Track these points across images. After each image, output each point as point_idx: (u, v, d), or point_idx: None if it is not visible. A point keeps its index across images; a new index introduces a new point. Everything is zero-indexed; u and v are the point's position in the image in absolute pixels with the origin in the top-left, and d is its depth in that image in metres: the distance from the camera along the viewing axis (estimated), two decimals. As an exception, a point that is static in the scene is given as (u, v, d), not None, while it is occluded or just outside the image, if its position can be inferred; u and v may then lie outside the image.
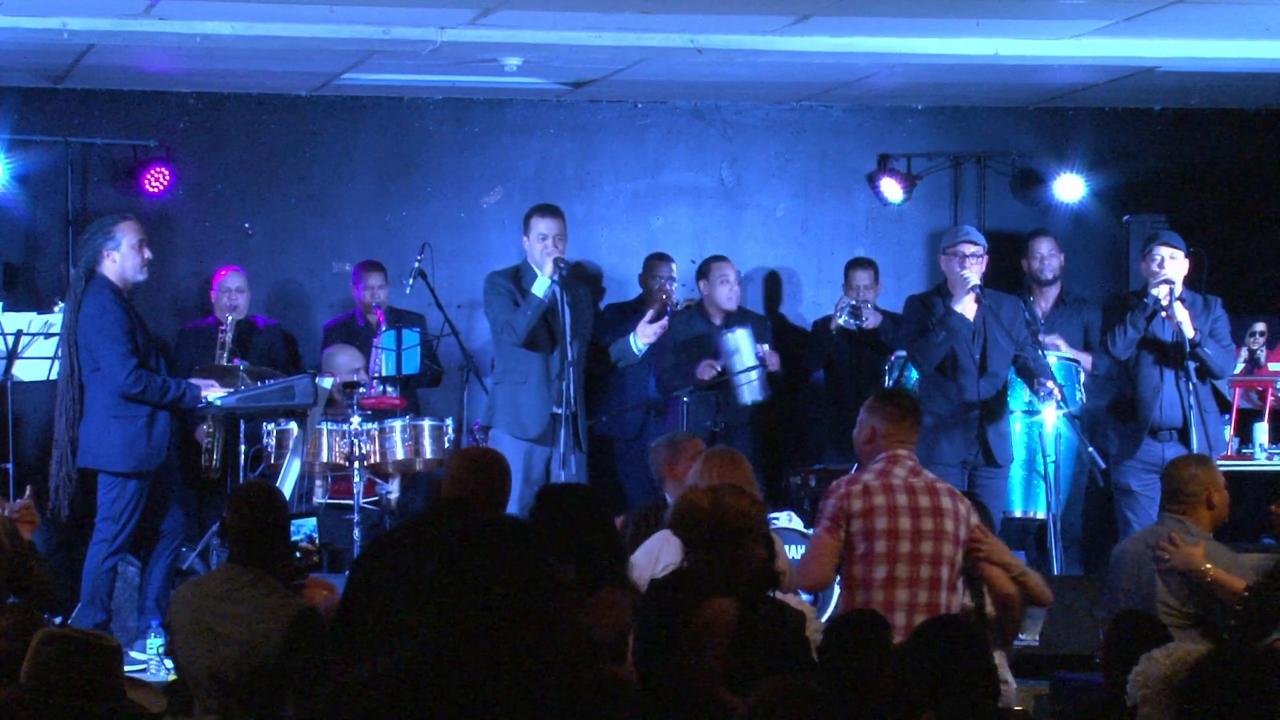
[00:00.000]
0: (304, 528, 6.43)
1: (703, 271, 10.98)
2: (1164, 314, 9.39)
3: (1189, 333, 9.37)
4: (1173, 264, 9.47)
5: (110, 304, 8.81)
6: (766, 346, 10.52)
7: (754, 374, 10.35)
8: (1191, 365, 9.38)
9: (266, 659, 5.67)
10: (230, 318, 10.51)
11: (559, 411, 9.51)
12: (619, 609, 5.89)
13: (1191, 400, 9.36)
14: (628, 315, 11.10)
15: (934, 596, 6.44)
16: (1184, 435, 9.42)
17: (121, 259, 8.89)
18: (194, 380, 9.16)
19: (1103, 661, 5.82)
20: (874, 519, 6.47)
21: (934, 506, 6.51)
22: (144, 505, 8.91)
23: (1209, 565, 7.08)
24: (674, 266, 11.23)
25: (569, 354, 9.55)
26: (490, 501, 5.79)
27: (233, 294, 10.76)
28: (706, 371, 10.42)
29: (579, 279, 10.64)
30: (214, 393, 9.05)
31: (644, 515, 7.75)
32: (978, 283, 9.48)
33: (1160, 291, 9.38)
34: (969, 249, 9.53)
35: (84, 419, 8.89)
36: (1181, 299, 9.43)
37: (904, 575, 6.46)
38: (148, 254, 8.99)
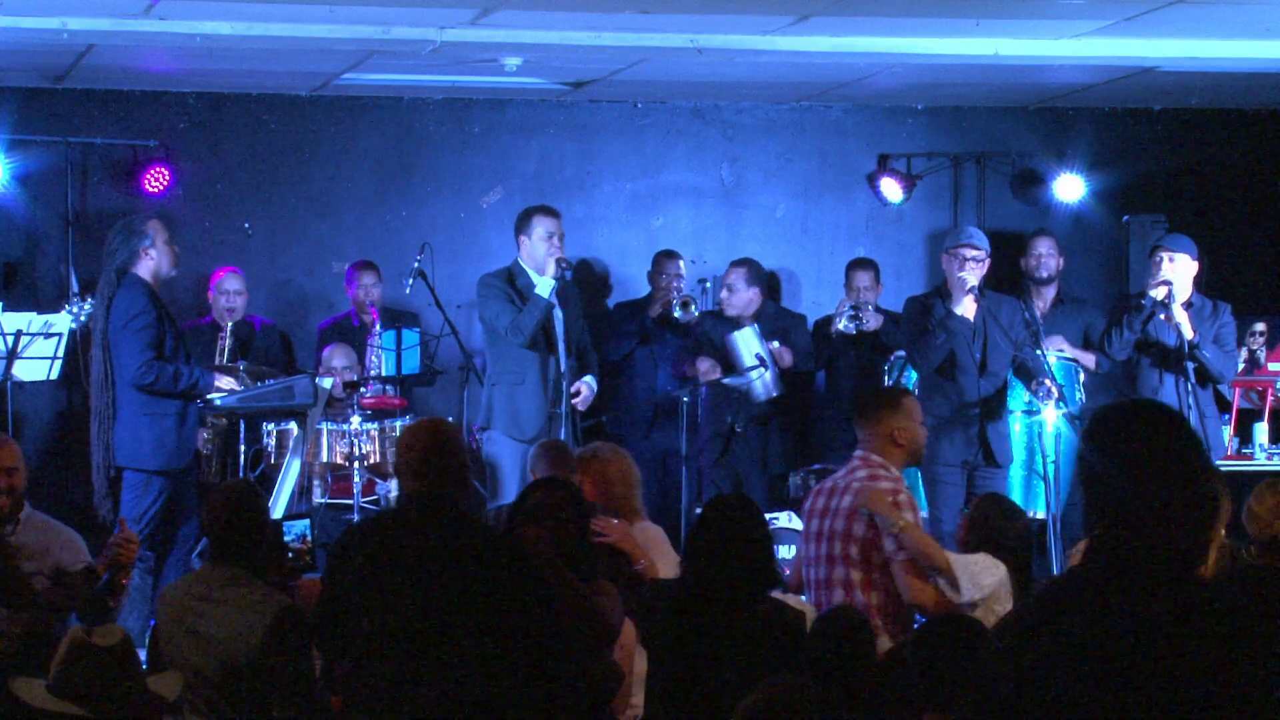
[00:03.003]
0: (295, 528, 6.39)
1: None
2: (1162, 315, 9.39)
3: (1187, 334, 9.36)
4: (1172, 267, 9.46)
5: (144, 302, 8.81)
6: (777, 343, 10.51)
7: (766, 372, 10.36)
8: (1190, 367, 9.37)
9: (248, 657, 5.67)
10: (229, 320, 10.50)
11: (558, 412, 9.53)
12: (617, 600, 5.91)
13: (1190, 402, 9.36)
14: (636, 314, 11.19)
15: (826, 596, 6.71)
16: (1182, 436, 9.39)
17: (158, 255, 8.92)
18: (208, 371, 9.14)
19: None
20: (808, 522, 6.96)
21: (825, 508, 6.86)
22: (166, 506, 8.84)
23: None
24: (682, 264, 11.26)
25: (564, 354, 9.58)
26: (455, 480, 5.50)
27: (230, 295, 10.75)
28: (706, 370, 10.44)
29: (591, 279, 10.74)
30: (227, 383, 9.05)
31: None
32: (975, 285, 9.46)
33: (1158, 293, 9.37)
34: (969, 253, 9.50)
35: (117, 419, 8.87)
36: (1191, 303, 9.43)
37: (812, 577, 6.86)
38: (175, 249, 9.04)
